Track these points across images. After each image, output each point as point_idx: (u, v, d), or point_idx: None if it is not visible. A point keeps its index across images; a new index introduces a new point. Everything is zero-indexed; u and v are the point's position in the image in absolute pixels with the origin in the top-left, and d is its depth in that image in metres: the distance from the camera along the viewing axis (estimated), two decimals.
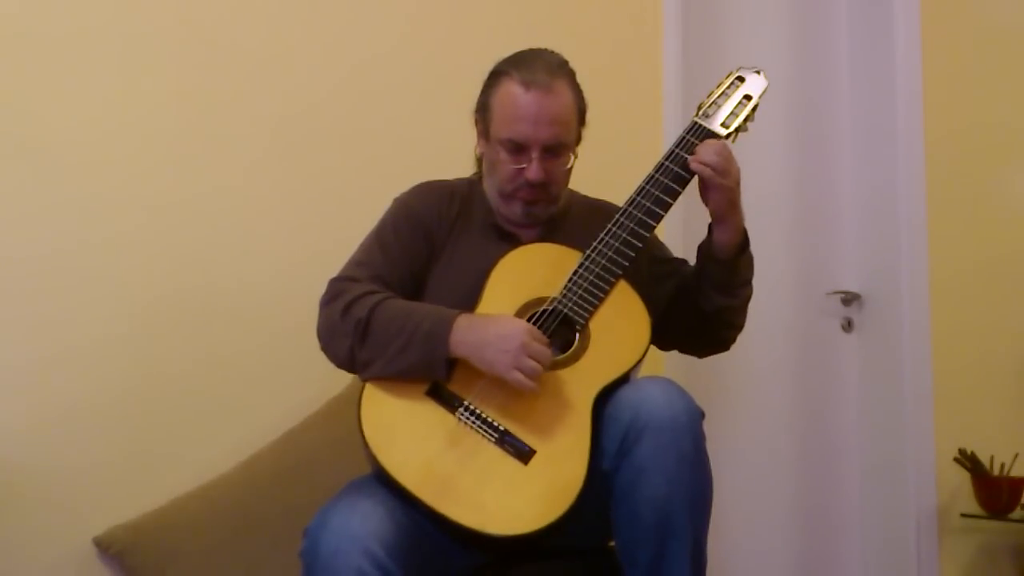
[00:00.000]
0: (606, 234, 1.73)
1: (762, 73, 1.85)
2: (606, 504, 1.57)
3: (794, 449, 3.00)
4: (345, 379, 2.10)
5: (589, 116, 1.85)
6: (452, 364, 1.64)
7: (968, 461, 2.85)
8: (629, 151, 2.44)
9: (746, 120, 1.80)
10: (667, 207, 1.74)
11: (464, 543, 1.58)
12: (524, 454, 1.58)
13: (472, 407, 1.62)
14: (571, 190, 1.91)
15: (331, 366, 1.74)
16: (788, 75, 3.07)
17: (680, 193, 1.75)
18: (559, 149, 1.78)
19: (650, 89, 2.82)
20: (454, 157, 1.99)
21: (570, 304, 1.69)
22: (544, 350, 1.61)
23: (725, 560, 2.73)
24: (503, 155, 1.78)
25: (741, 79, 1.84)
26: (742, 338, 1.93)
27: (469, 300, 1.71)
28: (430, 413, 1.62)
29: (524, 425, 1.61)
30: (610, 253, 1.72)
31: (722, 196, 1.72)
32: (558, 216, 1.86)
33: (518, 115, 1.76)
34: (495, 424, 1.61)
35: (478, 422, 1.61)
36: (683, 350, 1.97)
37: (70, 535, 2.05)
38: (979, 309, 3.03)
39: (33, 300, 2.10)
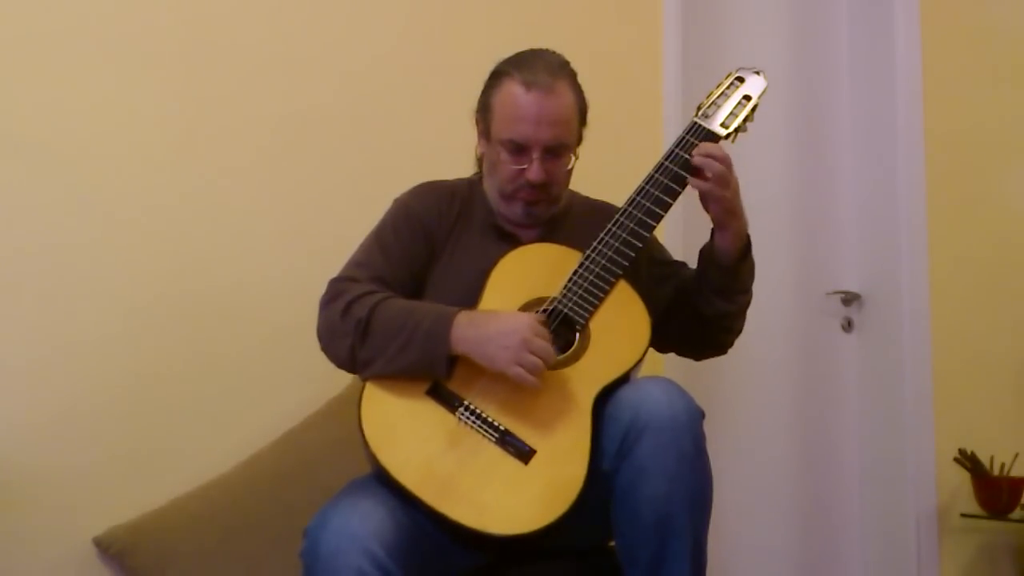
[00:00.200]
0: (606, 234, 1.73)
1: (762, 73, 1.85)
2: (606, 504, 1.57)
3: (794, 449, 3.00)
4: (345, 379, 2.10)
5: (589, 116, 1.85)
6: (453, 363, 1.64)
7: (968, 461, 2.85)
8: (629, 151, 2.44)
9: (745, 120, 1.80)
10: (667, 207, 1.74)
11: (464, 543, 1.58)
12: (524, 454, 1.58)
13: (472, 407, 1.62)
14: (571, 191, 1.91)
15: (331, 366, 1.74)
16: (788, 75, 3.08)
17: (680, 193, 1.75)
18: (560, 150, 1.78)
19: (650, 89, 2.82)
20: (454, 157, 1.99)
21: (570, 304, 1.69)
22: (547, 346, 1.60)
23: (725, 560, 2.73)
24: (504, 155, 1.78)
25: (740, 79, 1.84)
26: (742, 338, 1.93)
27: (469, 300, 1.71)
28: (430, 413, 1.62)
29: (524, 425, 1.61)
30: (610, 253, 1.72)
31: (720, 206, 1.72)
32: (558, 216, 1.87)
33: (519, 115, 1.76)
34: (495, 424, 1.61)
35: (478, 422, 1.61)
36: (681, 353, 1.97)
37: (70, 535, 2.05)
38: (979, 309, 3.03)
39: (33, 300, 2.10)
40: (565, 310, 1.69)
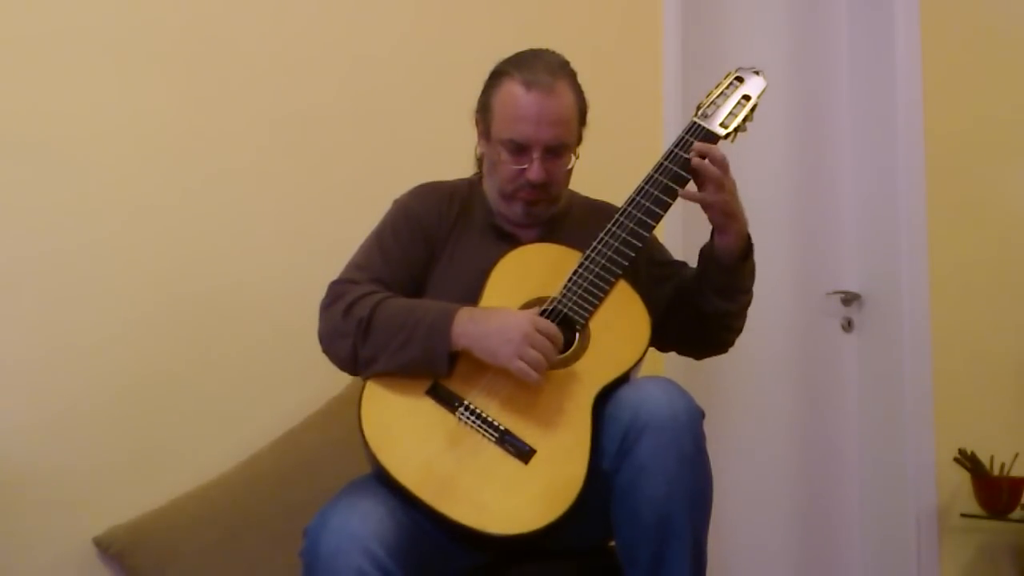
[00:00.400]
0: (605, 234, 1.73)
1: (761, 73, 1.85)
2: (606, 504, 1.57)
3: (794, 449, 3.00)
4: (345, 379, 2.10)
5: (589, 116, 1.85)
6: (453, 361, 1.64)
7: (968, 461, 2.85)
8: (629, 151, 2.44)
9: (745, 120, 1.80)
10: (666, 207, 1.74)
11: (464, 543, 1.58)
12: (524, 454, 1.58)
13: (472, 406, 1.62)
14: (571, 191, 1.91)
15: (331, 366, 1.74)
16: (788, 75, 3.08)
17: (679, 193, 1.75)
18: (560, 150, 1.78)
19: (650, 89, 2.82)
20: (454, 157, 1.99)
21: (570, 304, 1.69)
22: (547, 341, 1.60)
23: (725, 560, 2.73)
24: (504, 155, 1.78)
25: (740, 79, 1.84)
26: (742, 338, 1.93)
27: (469, 300, 1.71)
28: (430, 413, 1.62)
29: (524, 424, 1.61)
30: (610, 253, 1.72)
31: (717, 209, 1.73)
32: (558, 216, 1.87)
33: (519, 115, 1.76)
34: (495, 423, 1.61)
35: (478, 421, 1.61)
36: (681, 352, 1.98)
37: (70, 535, 2.05)
38: (979, 309, 3.03)
39: (33, 300, 2.10)
40: (565, 310, 1.69)
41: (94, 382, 2.12)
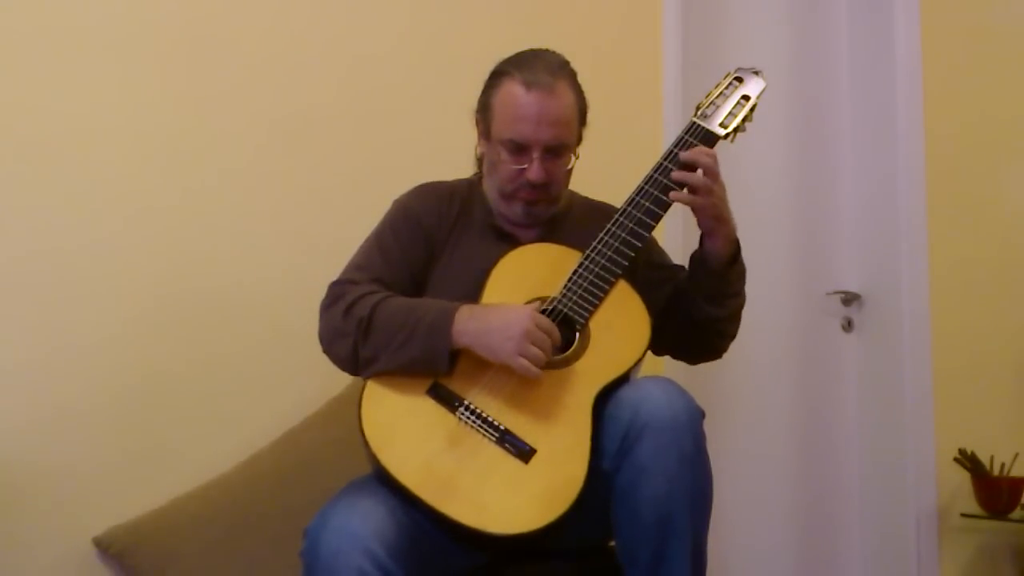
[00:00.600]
0: (605, 234, 1.73)
1: (761, 74, 1.85)
2: (606, 504, 1.57)
3: (794, 449, 3.00)
4: (345, 379, 2.10)
5: (589, 116, 1.85)
6: (454, 360, 1.64)
7: (968, 461, 2.85)
8: (629, 151, 2.44)
9: (744, 120, 1.80)
10: (666, 207, 1.74)
11: (464, 542, 1.58)
12: (524, 453, 1.58)
13: (472, 406, 1.62)
14: (571, 191, 1.91)
15: (331, 366, 1.74)
16: (788, 75, 3.08)
17: (670, 196, 1.74)
18: (560, 150, 1.78)
19: (650, 89, 2.82)
20: (454, 157, 1.99)
21: (570, 304, 1.69)
22: (547, 338, 1.61)
23: (725, 560, 2.73)
24: (504, 155, 1.78)
25: (739, 79, 1.84)
26: (742, 338, 1.93)
27: (469, 300, 1.71)
28: (430, 412, 1.62)
29: (524, 424, 1.61)
30: (609, 253, 1.72)
31: (706, 213, 1.73)
32: (558, 216, 1.87)
33: (520, 115, 1.76)
34: (495, 423, 1.61)
35: (478, 421, 1.61)
36: (675, 356, 1.97)
37: (70, 535, 2.05)
38: (979, 309, 3.03)
39: (33, 300, 2.10)
40: (565, 310, 1.69)
41: (94, 382, 2.12)
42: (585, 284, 1.70)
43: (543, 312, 1.69)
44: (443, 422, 1.61)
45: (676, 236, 2.59)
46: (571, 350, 1.68)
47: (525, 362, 1.58)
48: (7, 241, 2.09)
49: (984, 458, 2.84)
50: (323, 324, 1.73)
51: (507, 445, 1.59)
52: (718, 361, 1.97)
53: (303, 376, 2.22)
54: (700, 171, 1.71)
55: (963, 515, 2.88)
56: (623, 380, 1.65)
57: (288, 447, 2.18)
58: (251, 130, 2.34)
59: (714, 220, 1.73)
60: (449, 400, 1.63)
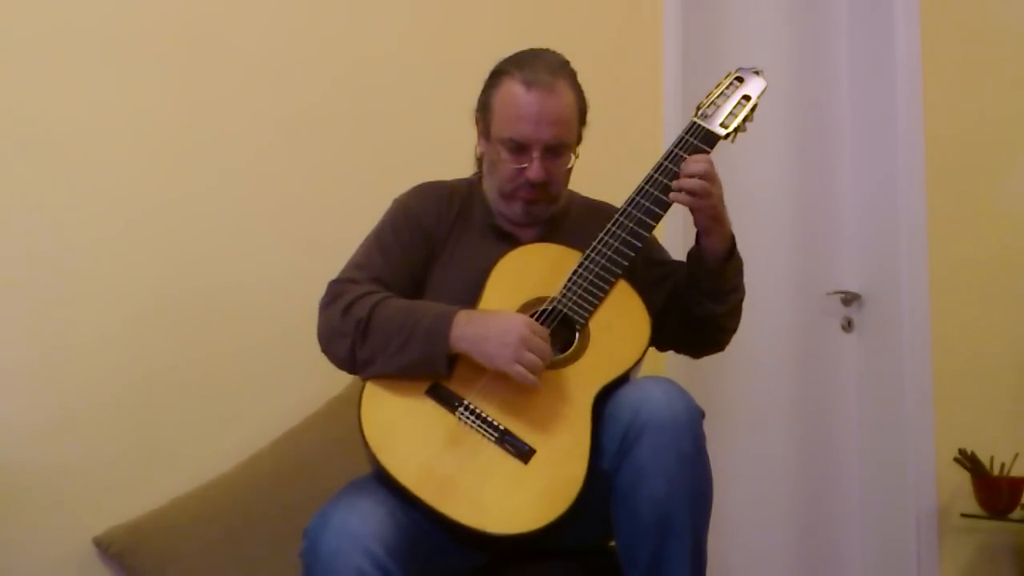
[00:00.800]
0: (605, 234, 1.73)
1: (761, 73, 1.85)
2: (606, 504, 1.57)
3: (794, 449, 3.00)
4: (345, 379, 2.10)
5: (589, 116, 1.85)
6: (453, 362, 1.64)
7: (968, 461, 2.85)
8: (629, 151, 2.45)
9: (745, 120, 1.81)
10: (666, 207, 1.74)
11: (464, 543, 1.58)
12: (524, 453, 1.58)
13: (472, 406, 1.62)
14: (571, 190, 1.91)
15: (331, 366, 1.74)
16: (788, 75, 3.08)
17: (669, 196, 1.75)
18: (560, 149, 1.78)
19: (650, 89, 2.82)
20: (454, 157, 1.99)
21: (570, 304, 1.69)
22: (544, 344, 1.61)
23: (725, 560, 2.73)
24: (504, 155, 1.78)
25: (740, 79, 1.84)
26: (742, 338, 1.93)
27: (469, 300, 1.71)
28: (430, 413, 1.62)
29: (524, 424, 1.61)
30: (609, 253, 1.72)
31: (704, 215, 1.73)
32: (558, 216, 1.87)
33: (519, 115, 1.76)
34: (495, 423, 1.61)
35: (478, 421, 1.61)
36: (679, 351, 1.98)
37: (70, 535, 2.05)
38: (979, 309, 3.03)
39: (33, 300, 2.10)
40: (565, 310, 1.69)
41: (94, 382, 2.12)
42: (585, 284, 1.70)
43: (543, 312, 1.69)
44: (443, 422, 1.61)
45: (676, 235, 2.59)
46: (571, 350, 1.68)
47: (522, 369, 1.58)
48: (7, 241, 2.09)
49: (984, 458, 2.84)
50: (322, 322, 1.73)
51: (507, 445, 1.59)
52: (718, 362, 1.98)
53: (303, 376, 2.22)
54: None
55: (963, 515, 2.88)
56: (623, 380, 1.65)
57: (288, 447, 2.18)
58: (251, 130, 2.34)
59: (711, 220, 1.74)
60: (449, 400, 1.63)
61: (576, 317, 1.69)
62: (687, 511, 1.53)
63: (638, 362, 1.69)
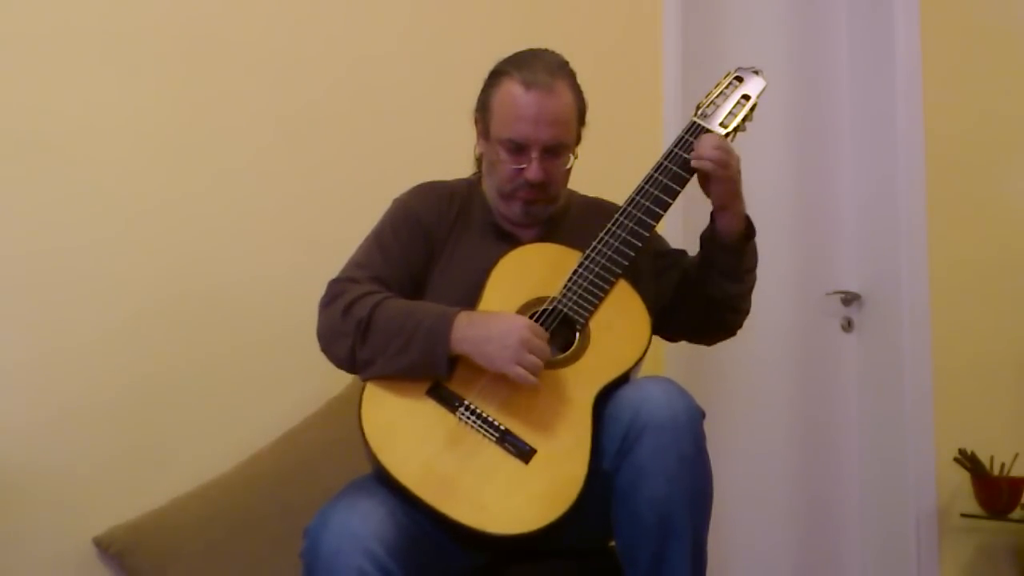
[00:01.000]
0: (606, 233, 1.74)
1: (761, 73, 1.85)
2: (606, 504, 1.57)
3: (794, 449, 3.00)
4: (345, 379, 2.10)
5: (589, 116, 1.85)
6: (453, 363, 1.64)
7: (968, 461, 2.85)
8: (629, 151, 2.44)
9: (744, 120, 1.81)
10: (666, 206, 1.74)
11: (464, 543, 1.58)
12: (525, 453, 1.58)
13: (472, 406, 1.62)
14: (570, 190, 1.91)
15: (331, 366, 1.74)
16: (788, 74, 3.08)
17: (679, 192, 1.75)
18: (559, 149, 1.78)
19: (650, 89, 2.82)
20: (454, 157, 1.99)
21: (570, 304, 1.69)
22: (543, 346, 1.61)
23: (725, 560, 2.73)
24: (503, 155, 1.78)
25: (739, 79, 1.84)
26: (743, 338, 1.93)
27: (469, 300, 1.71)
28: (430, 413, 1.62)
29: (525, 424, 1.61)
30: (610, 252, 1.72)
31: (723, 187, 1.74)
32: (557, 216, 1.87)
33: (519, 115, 1.76)
34: (495, 423, 1.61)
35: (478, 421, 1.61)
36: (691, 339, 1.98)
37: (70, 535, 2.05)
38: (979, 309, 3.03)
39: (33, 299, 2.10)
40: (565, 310, 1.69)
41: (94, 382, 2.12)
42: (585, 284, 1.71)
43: (543, 312, 1.69)
44: (443, 422, 1.61)
45: (676, 230, 2.59)
46: (571, 350, 1.68)
47: (522, 371, 1.58)
48: (7, 241, 2.09)
49: (984, 458, 2.84)
50: (322, 322, 1.73)
51: (507, 445, 1.59)
52: (719, 362, 1.98)
53: (303, 376, 2.22)
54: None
55: (963, 515, 2.88)
56: (623, 380, 1.65)
57: (288, 447, 2.18)
58: (251, 130, 2.34)
59: (730, 196, 1.74)
60: (449, 400, 1.63)
61: (576, 317, 1.69)
62: (687, 511, 1.53)
63: (638, 362, 1.69)
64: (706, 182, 1.75)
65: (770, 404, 2.98)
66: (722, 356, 1.98)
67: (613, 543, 1.61)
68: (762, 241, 1.85)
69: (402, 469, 1.56)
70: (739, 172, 1.75)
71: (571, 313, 1.69)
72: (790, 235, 3.06)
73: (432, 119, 2.48)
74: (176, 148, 2.26)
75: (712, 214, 1.79)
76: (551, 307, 1.70)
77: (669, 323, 1.86)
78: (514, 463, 1.58)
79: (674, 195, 1.75)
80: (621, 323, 1.70)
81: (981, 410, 2.98)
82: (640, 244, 1.73)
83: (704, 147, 1.73)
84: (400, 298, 1.73)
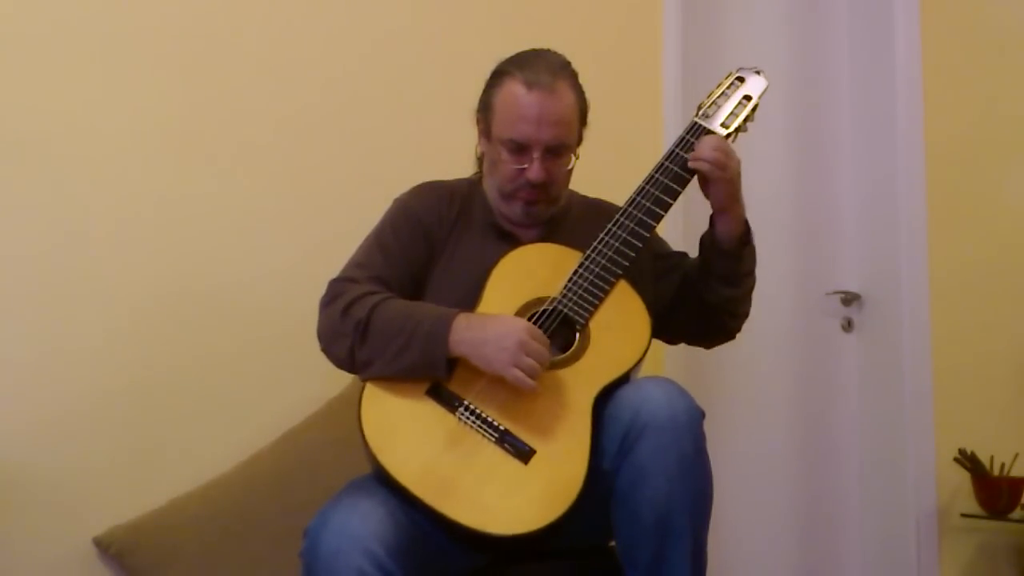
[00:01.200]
0: (606, 234, 1.74)
1: (762, 73, 1.85)
2: (606, 504, 1.57)
3: (794, 449, 3.00)
4: (345, 379, 2.10)
5: (589, 116, 1.85)
6: (453, 364, 1.64)
7: (968, 461, 2.85)
8: (629, 151, 2.44)
9: (746, 120, 1.81)
10: (667, 207, 1.74)
11: (464, 543, 1.58)
12: (524, 454, 1.58)
13: (472, 407, 1.62)
14: (571, 190, 1.91)
15: (331, 366, 1.74)
16: (788, 75, 3.08)
17: (680, 193, 1.75)
18: (560, 150, 1.78)
19: (650, 89, 2.82)
20: (454, 157, 1.99)
21: (570, 304, 1.69)
22: (542, 349, 1.61)
23: (725, 560, 2.73)
24: (504, 155, 1.78)
25: (741, 79, 1.84)
26: (743, 338, 1.93)
27: (469, 300, 1.71)
28: (430, 413, 1.62)
29: (524, 425, 1.61)
30: (610, 253, 1.72)
31: (721, 189, 1.74)
32: (558, 216, 1.87)
33: (520, 115, 1.76)
34: (495, 424, 1.61)
35: (478, 422, 1.61)
36: (690, 342, 1.98)
37: (70, 535, 2.05)
38: (979, 309, 3.03)
39: (33, 300, 2.10)
40: (565, 310, 1.69)
41: (94, 382, 2.12)
42: (585, 284, 1.71)
43: (543, 312, 1.69)
44: (443, 423, 1.61)
45: (676, 230, 2.59)
46: (571, 350, 1.68)
47: (520, 374, 1.58)
48: (7, 241, 2.09)
49: (984, 458, 2.84)
50: (322, 322, 1.73)
51: (507, 445, 1.59)
52: (719, 362, 1.98)
53: (303, 376, 2.22)
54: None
55: (963, 515, 2.88)
56: (623, 380, 1.65)
57: (288, 447, 2.18)
58: (251, 130, 2.33)
59: (729, 198, 1.74)
60: (449, 401, 1.63)
61: (576, 317, 1.69)
62: (687, 511, 1.53)
63: (638, 362, 1.69)
64: (705, 184, 1.75)
65: (770, 404, 2.98)
66: (722, 356, 1.97)
67: (613, 543, 1.61)
68: (762, 241, 1.86)
69: (402, 469, 1.56)
70: (739, 174, 1.75)
71: (571, 313, 1.69)
72: (790, 235, 3.06)
73: (433, 119, 2.48)
74: (176, 147, 2.26)
75: (711, 217, 1.79)
76: (551, 307, 1.70)
77: (668, 326, 1.86)
78: (514, 463, 1.58)
79: (675, 195, 1.75)
80: (621, 323, 1.70)
81: (981, 410, 2.98)
82: (640, 244, 1.73)
83: (702, 148, 1.73)
84: (400, 299, 1.73)
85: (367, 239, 1.85)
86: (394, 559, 1.46)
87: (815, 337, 3.07)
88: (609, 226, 1.74)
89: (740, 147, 1.81)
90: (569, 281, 1.71)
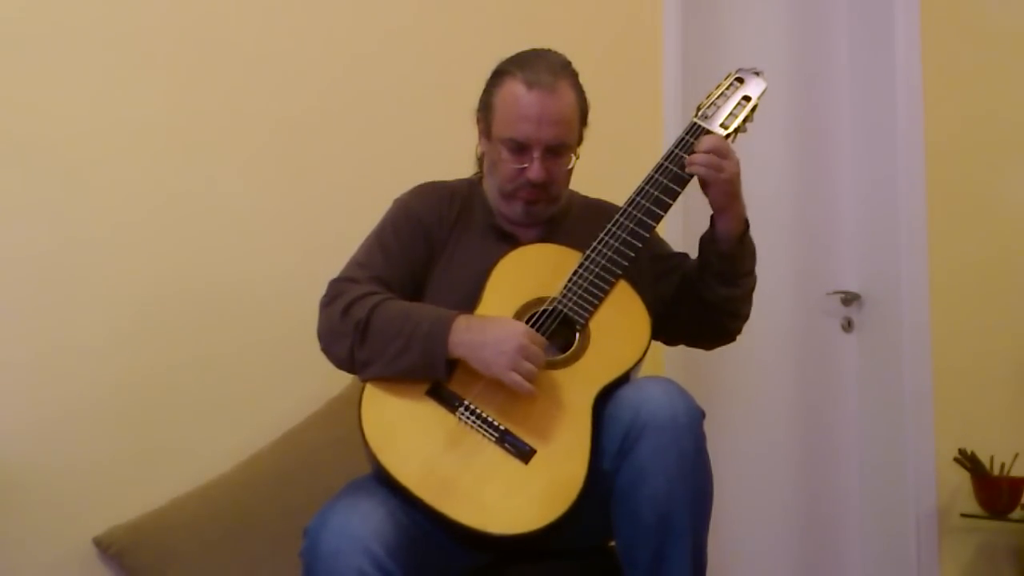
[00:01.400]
0: (606, 234, 1.74)
1: (761, 74, 1.85)
2: (606, 504, 1.57)
3: (794, 449, 3.00)
4: (345, 379, 2.10)
5: (589, 116, 1.85)
6: (453, 364, 1.64)
7: (968, 461, 2.85)
8: (629, 151, 2.44)
9: (745, 121, 1.81)
10: (666, 207, 1.74)
11: (464, 543, 1.58)
12: (524, 454, 1.58)
13: (472, 407, 1.62)
14: (571, 190, 1.91)
15: (331, 366, 1.74)
16: (788, 75, 3.08)
17: (679, 193, 1.75)
18: (561, 149, 1.78)
19: (650, 89, 2.82)
20: (454, 157, 1.99)
21: (570, 304, 1.69)
22: (540, 352, 1.61)
23: (725, 560, 2.73)
24: (505, 154, 1.78)
25: (740, 80, 1.84)
26: (743, 338, 1.93)
27: (469, 301, 1.72)
28: (430, 413, 1.62)
29: (524, 425, 1.61)
30: (610, 253, 1.72)
31: (720, 190, 1.74)
32: (558, 216, 1.87)
33: (521, 115, 1.76)
34: (495, 424, 1.61)
35: (478, 422, 1.61)
36: (690, 343, 1.98)
37: (70, 535, 2.05)
38: (979, 309, 3.03)
39: (33, 300, 2.10)
40: (565, 310, 1.69)
41: (94, 382, 2.12)
42: (585, 284, 1.71)
43: (543, 313, 1.69)
44: (443, 422, 1.61)
45: (676, 230, 2.59)
46: (571, 350, 1.68)
47: (518, 378, 1.58)
48: (7, 241, 2.09)
49: (984, 458, 2.84)
50: (322, 321, 1.73)
51: (507, 445, 1.59)
52: (719, 362, 1.98)
53: (303, 376, 2.22)
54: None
55: (963, 515, 2.88)
56: (623, 380, 1.65)
57: (288, 447, 2.18)
58: (252, 130, 2.34)
59: (727, 198, 1.74)
60: (449, 400, 1.63)
61: (576, 317, 1.69)
62: (687, 511, 1.53)
63: (638, 362, 1.69)
64: (703, 184, 1.75)
65: (770, 404, 2.98)
66: (722, 356, 1.97)
67: (613, 543, 1.61)
68: (762, 241, 1.86)
69: (402, 469, 1.56)
70: (737, 175, 1.74)
71: (571, 313, 1.69)
72: (790, 235, 3.06)
73: (433, 119, 2.48)
74: (176, 148, 2.26)
75: (712, 216, 1.79)
76: (551, 307, 1.70)
77: (668, 327, 1.85)
78: (514, 463, 1.58)
79: (674, 196, 1.75)
80: (621, 324, 1.70)
81: (981, 410, 2.98)
82: (640, 245, 1.73)
83: (698, 151, 1.73)
84: (400, 299, 1.73)
85: (367, 239, 1.85)
86: (394, 559, 1.46)
87: (815, 337, 3.07)
88: (609, 226, 1.74)
89: (740, 147, 1.81)
90: (569, 281, 1.71)
